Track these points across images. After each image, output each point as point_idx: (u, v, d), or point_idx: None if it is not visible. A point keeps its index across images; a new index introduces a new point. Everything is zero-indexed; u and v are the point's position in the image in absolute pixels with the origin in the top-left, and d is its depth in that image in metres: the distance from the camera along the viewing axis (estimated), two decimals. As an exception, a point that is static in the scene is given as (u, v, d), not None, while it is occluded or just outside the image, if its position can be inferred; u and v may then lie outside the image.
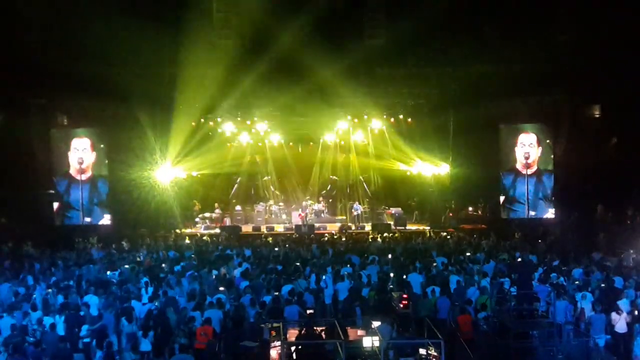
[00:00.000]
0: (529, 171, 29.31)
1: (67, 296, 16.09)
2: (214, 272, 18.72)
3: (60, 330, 13.92)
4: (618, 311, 14.49)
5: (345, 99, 30.21)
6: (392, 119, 32.19)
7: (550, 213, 29.44)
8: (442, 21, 28.27)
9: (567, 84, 29.32)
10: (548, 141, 29.45)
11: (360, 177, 34.71)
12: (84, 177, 28.65)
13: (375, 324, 13.87)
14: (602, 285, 16.62)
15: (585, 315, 14.78)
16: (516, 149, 29.66)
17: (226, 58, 27.46)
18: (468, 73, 29.03)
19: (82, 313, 14.57)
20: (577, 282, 16.84)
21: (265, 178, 34.98)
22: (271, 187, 34.94)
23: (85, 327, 14.10)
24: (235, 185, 34.73)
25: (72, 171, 28.70)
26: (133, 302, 15.35)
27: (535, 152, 29.48)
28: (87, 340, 13.59)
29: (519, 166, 29.64)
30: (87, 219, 28.80)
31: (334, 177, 34.93)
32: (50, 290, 16.66)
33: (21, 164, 28.23)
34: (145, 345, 13.16)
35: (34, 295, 15.95)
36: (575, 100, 29.97)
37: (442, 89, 30.21)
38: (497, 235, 26.29)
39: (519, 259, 18.73)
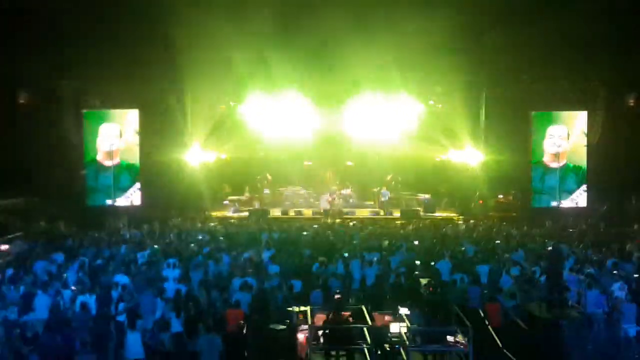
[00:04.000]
0: (559, 164, 29.04)
1: (98, 275, 16.31)
2: (243, 254, 18.81)
3: (92, 309, 14.11)
4: None
5: (374, 84, 30.02)
6: (423, 105, 31.81)
7: (582, 202, 29.07)
8: (472, 7, 27.95)
9: (602, 72, 28.85)
10: (582, 129, 29.02)
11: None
12: (115, 159, 28.96)
13: (403, 310, 13.84)
14: (635, 275, 16.37)
15: (617, 305, 14.56)
16: (545, 141, 29.33)
17: (256, 41, 27.47)
18: (500, 58, 28.65)
19: (113, 292, 14.76)
20: (611, 272, 16.59)
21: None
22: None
23: (113, 307, 14.25)
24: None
25: (103, 153, 29.03)
26: (163, 283, 15.51)
27: (566, 144, 29.16)
28: (120, 319, 13.72)
29: (547, 158, 29.33)
30: (118, 201, 29.18)
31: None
32: (81, 269, 16.91)
33: (54, 145, 28.65)
34: (177, 326, 13.26)
35: (66, 274, 16.17)
36: (610, 88, 29.46)
37: (473, 75, 29.84)
38: (527, 223, 26.00)
39: (550, 248, 18.50)
